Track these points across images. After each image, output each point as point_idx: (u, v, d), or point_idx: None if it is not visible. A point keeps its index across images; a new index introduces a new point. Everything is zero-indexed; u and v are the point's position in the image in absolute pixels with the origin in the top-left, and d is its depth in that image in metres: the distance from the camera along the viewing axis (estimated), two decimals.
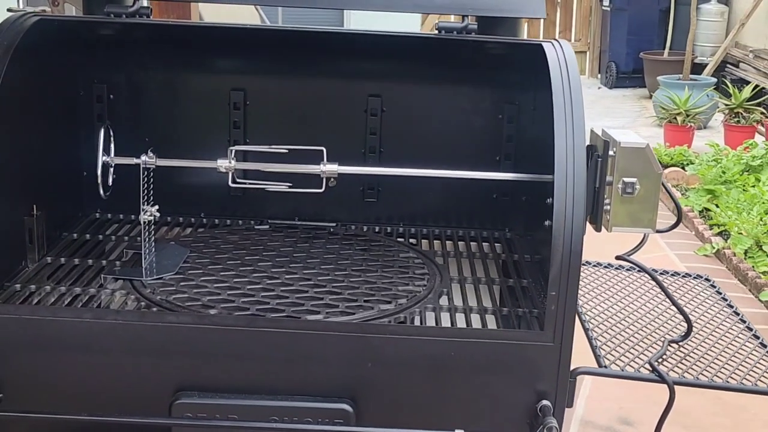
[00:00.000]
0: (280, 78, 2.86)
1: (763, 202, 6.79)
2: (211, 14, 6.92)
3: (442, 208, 2.94)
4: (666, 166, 8.30)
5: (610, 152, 2.33)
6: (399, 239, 2.86)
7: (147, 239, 2.47)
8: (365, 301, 2.34)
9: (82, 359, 2.16)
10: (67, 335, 2.14)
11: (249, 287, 2.39)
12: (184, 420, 2.12)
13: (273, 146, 2.48)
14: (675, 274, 2.87)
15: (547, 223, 2.42)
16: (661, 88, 10.03)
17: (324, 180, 2.47)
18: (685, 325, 2.43)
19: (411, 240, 2.87)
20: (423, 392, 2.16)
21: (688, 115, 9.10)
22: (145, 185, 2.44)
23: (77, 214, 2.88)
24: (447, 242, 2.86)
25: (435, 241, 2.87)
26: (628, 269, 2.89)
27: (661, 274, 2.88)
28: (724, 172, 7.54)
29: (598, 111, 11.41)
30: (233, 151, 2.45)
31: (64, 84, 2.74)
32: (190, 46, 2.81)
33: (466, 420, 2.18)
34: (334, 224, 2.90)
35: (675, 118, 9.12)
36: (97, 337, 2.14)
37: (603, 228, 2.37)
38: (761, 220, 6.46)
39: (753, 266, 5.95)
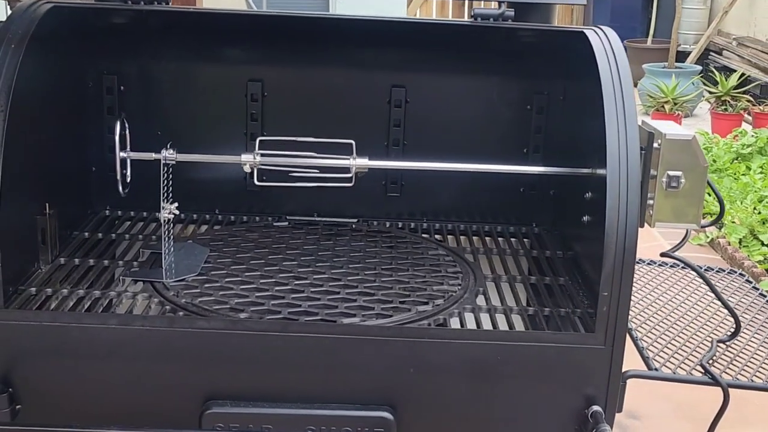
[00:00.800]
0: (300, 68, 2.73)
1: (756, 191, 6.75)
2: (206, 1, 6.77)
3: (467, 203, 2.83)
4: None
5: (655, 144, 2.23)
6: (424, 235, 2.75)
7: (166, 238, 2.34)
8: (401, 302, 2.23)
9: (107, 368, 2.04)
10: (92, 342, 2.02)
11: (277, 289, 2.27)
12: (215, 431, 2.00)
13: (300, 138, 2.35)
14: (709, 269, 2.78)
15: (585, 218, 2.33)
16: (647, 76, 9.97)
17: (354, 173, 2.36)
18: (729, 322, 2.34)
19: (436, 236, 2.76)
20: (467, 399, 2.06)
21: (675, 104, 9.05)
22: (165, 182, 2.31)
23: (86, 212, 2.74)
24: (473, 238, 2.75)
25: (461, 237, 2.76)
26: (659, 264, 2.80)
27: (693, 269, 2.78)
28: (714, 161, 7.50)
29: None
30: (259, 142, 2.33)
31: (73, 75, 2.61)
32: (206, 35, 2.68)
33: (511, 427, 2.09)
34: (355, 220, 2.79)
35: (663, 107, 9.07)
36: (123, 344, 2.02)
37: (645, 223, 2.28)
38: (755, 208, 6.42)
39: (748, 255, 5.91)
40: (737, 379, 2.11)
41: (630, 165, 2.01)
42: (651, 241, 6.60)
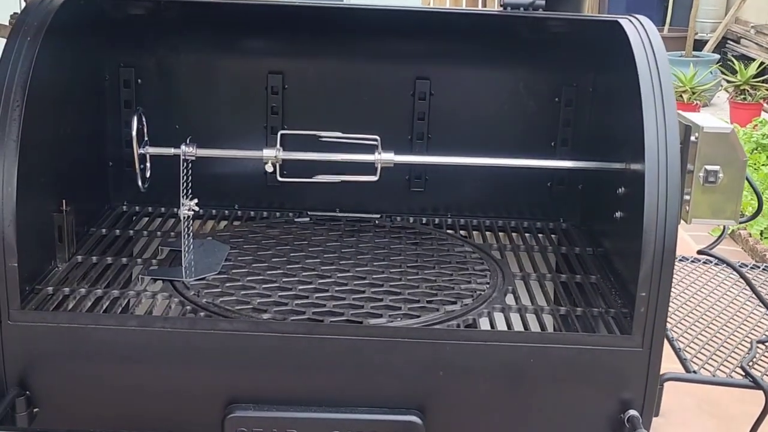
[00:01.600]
0: (321, 60, 2.66)
1: None
2: None
3: (492, 198, 2.75)
4: None
5: (692, 138, 2.16)
6: (449, 231, 2.68)
7: (186, 236, 2.27)
8: (428, 301, 2.16)
9: (127, 370, 1.98)
10: (111, 344, 1.96)
11: (300, 288, 2.21)
12: None
13: (323, 132, 2.28)
14: (743, 265, 2.70)
15: (617, 214, 2.25)
16: None
17: (379, 168, 2.29)
18: (767, 322, 2.26)
19: (461, 232, 2.68)
20: (498, 403, 1.99)
21: (693, 93, 8.94)
22: (185, 177, 2.24)
23: (103, 207, 2.68)
24: (499, 234, 2.67)
25: (486, 233, 2.69)
26: (693, 261, 2.72)
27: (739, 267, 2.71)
28: None
29: None
30: (280, 136, 2.26)
31: (89, 68, 2.54)
32: (225, 26, 2.60)
33: None
34: (378, 216, 2.72)
35: (681, 96, 8.95)
36: (143, 346, 1.96)
37: (682, 220, 2.20)
38: None
39: None
40: None
41: (669, 160, 1.94)
42: None
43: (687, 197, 2.17)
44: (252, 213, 2.73)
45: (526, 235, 2.68)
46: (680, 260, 2.74)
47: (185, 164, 2.24)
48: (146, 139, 2.31)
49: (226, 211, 2.73)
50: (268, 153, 2.27)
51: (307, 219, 2.67)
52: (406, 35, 2.60)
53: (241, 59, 2.66)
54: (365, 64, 2.66)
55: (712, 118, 2.21)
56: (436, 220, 2.74)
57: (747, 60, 9.65)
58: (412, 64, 2.64)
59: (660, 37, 2.11)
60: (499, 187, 2.72)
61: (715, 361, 2.11)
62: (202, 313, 2.07)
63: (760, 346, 2.20)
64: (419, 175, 2.72)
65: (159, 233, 2.55)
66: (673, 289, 2.53)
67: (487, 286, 2.26)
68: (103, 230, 2.53)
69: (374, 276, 2.28)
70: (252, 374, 1.98)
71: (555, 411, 1.99)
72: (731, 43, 10.95)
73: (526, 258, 2.51)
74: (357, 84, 2.67)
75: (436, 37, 2.59)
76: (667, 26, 11.36)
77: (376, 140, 2.27)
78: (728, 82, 9.07)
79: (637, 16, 2.20)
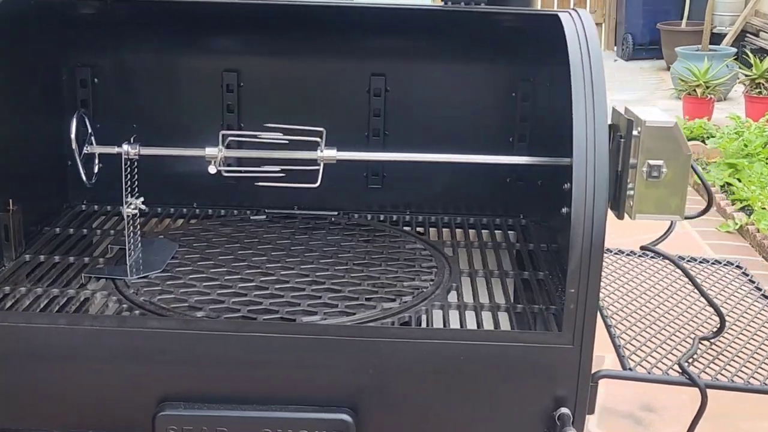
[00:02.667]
0: (277, 57, 2.65)
1: None
2: None
3: (452, 194, 2.73)
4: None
5: (634, 132, 2.13)
6: (405, 228, 2.66)
7: (132, 234, 2.28)
8: (367, 299, 2.15)
9: (57, 369, 1.98)
10: (41, 343, 1.96)
11: (241, 285, 2.20)
12: None
13: (268, 125, 2.27)
14: (704, 261, 2.66)
15: (564, 210, 2.22)
16: (679, 60, 9.76)
17: (321, 171, 2.27)
18: (717, 319, 2.23)
19: (419, 229, 2.67)
20: (430, 400, 1.97)
21: (707, 87, 8.83)
22: (128, 176, 2.25)
23: (61, 206, 2.69)
24: (457, 231, 2.66)
25: (444, 230, 2.67)
26: (653, 257, 2.68)
27: (688, 261, 2.67)
28: (746, 145, 7.31)
29: (614, 84, 11.15)
30: (222, 137, 2.25)
31: (46, 68, 2.55)
32: (179, 25, 2.61)
33: (477, 430, 2.00)
34: (335, 213, 2.71)
35: (694, 90, 8.86)
36: (73, 345, 1.96)
37: (626, 215, 2.18)
38: None
39: None
40: (717, 379, 1.99)
41: (598, 154, 1.91)
42: (678, 228, 6.44)
43: (631, 192, 2.15)
44: (210, 211, 2.74)
45: (484, 231, 2.66)
46: (628, 255, 2.71)
47: (128, 163, 2.25)
48: (92, 137, 2.31)
49: (185, 210, 2.74)
50: (210, 151, 2.26)
51: (263, 217, 2.67)
52: (361, 32, 2.59)
53: (196, 57, 2.66)
54: (321, 61, 2.65)
55: (658, 113, 2.18)
56: (394, 217, 2.72)
57: (765, 53, 9.52)
58: (367, 61, 2.63)
59: (595, 31, 2.08)
60: (458, 184, 2.70)
61: (655, 357, 2.08)
62: (137, 311, 2.07)
63: (704, 342, 2.16)
64: (376, 172, 2.70)
65: (113, 232, 2.56)
66: (626, 285, 2.51)
67: (431, 283, 2.25)
68: (57, 229, 2.54)
69: (318, 274, 2.27)
70: (182, 373, 1.98)
71: (488, 409, 1.97)
72: (750, 36, 10.80)
73: (481, 255, 2.49)
74: (313, 81, 2.66)
75: (391, 33, 2.58)
76: (684, 20, 11.24)
77: (320, 132, 2.24)
78: (745, 75, 8.95)
79: (578, 9, 2.17)
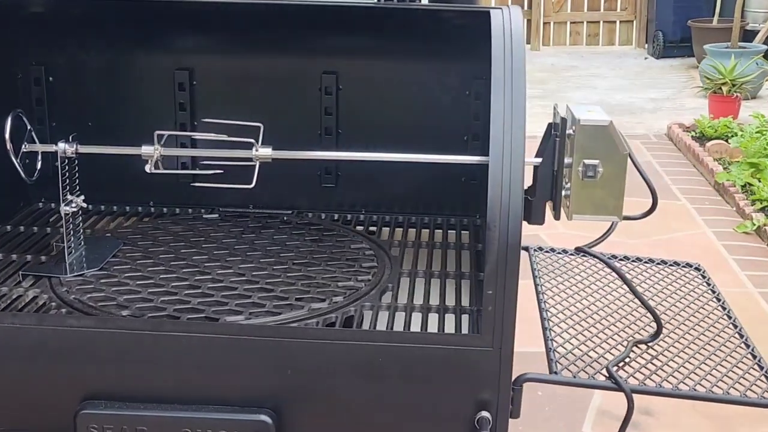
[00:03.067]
0: (229, 56, 2.64)
1: None
2: None
3: (408, 193, 2.70)
4: (709, 139, 7.95)
5: (569, 131, 2.09)
6: (358, 227, 2.64)
7: (72, 232, 2.28)
8: (297, 299, 2.13)
9: None
10: None
11: (174, 285, 2.19)
12: None
13: (205, 120, 2.26)
14: (663, 262, 2.60)
15: None
16: (707, 57, 9.61)
17: (256, 170, 2.25)
18: (662, 321, 2.17)
19: (372, 228, 2.64)
20: (350, 402, 1.95)
21: (734, 85, 8.68)
22: (66, 174, 2.25)
23: (18, 204, 2.71)
24: (411, 230, 2.62)
25: (398, 230, 2.64)
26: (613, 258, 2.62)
27: (646, 262, 2.61)
28: None
29: (643, 82, 11.03)
30: (158, 136, 2.24)
31: (1, 66, 2.57)
32: (132, 23, 2.61)
33: None
34: (290, 212, 2.69)
35: (720, 89, 8.71)
36: None
37: (564, 216, 2.13)
38: None
39: None
40: (644, 384, 1.94)
41: (513, 152, 1.87)
42: (694, 229, 6.34)
43: (567, 192, 2.11)
44: (164, 209, 2.73)
45: (437, 231, 2.62)
46: (575, 255, 2.64)
47: (65, 161, 2.25)
48: (32, 135, 2.32)
49: (139, 208, 2.74)
50: (146, 150, 2.26)
51: (216, 216, 2.66)
52: (312, 30, 2.57)
53: (149, 56, 2.66)
54: (273, 60, 2.64)
55: (597, 111, 2.13)
56: (349, 217, 2.70)
57: None
58: (318, 59, 2.61)
59: (521, 29, 2.03)
60: (414, 183, 2.67)
61: (584, 361, 2.03)
62: (63, 310, 2.07)
63: (641, 346, 2.11)
64: (330, 171, 2.68)
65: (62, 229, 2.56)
66: (570, 286, 2.46)
67: (367, 283, 2.22)
68: (8, 227, 2.55)
69: (255, 273, 2.26)
70: (103, 371, 1.97)
71: (409, 412, 1.94)
72: None
73: (428, 255, 2.45)
74: (265, 80, 2.65)
75: (341, 31, 2.56)
76: (716, 17, 11.06)
77: (258, 127, 2.22)
78: None
79: (510, 6, 2.13)
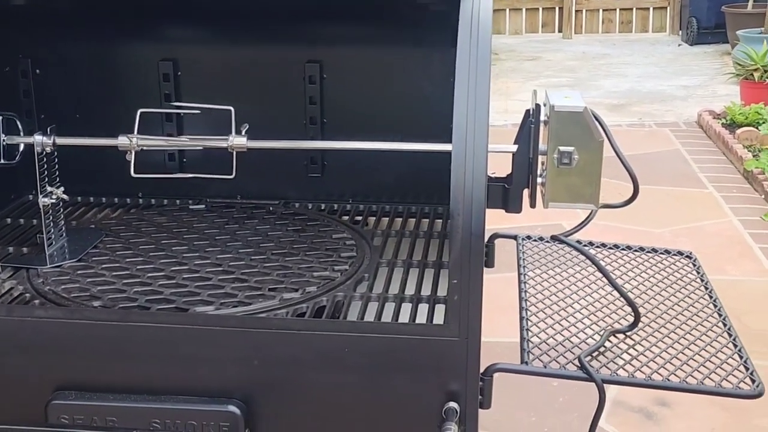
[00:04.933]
0: (213, 46, 2.64)
1: None
2: None
3: (395, 182, 2.68)
4: (739, 126, 7.82)
5: (542, 117, 2.05)
6: (344, 217, 2.62)
7: (52, 224, 2.29)
8: (270, 289, 2.11)
9: None
10: None
11: (150, 275, 2.19)
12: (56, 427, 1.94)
13: (174, 103, 2.25)
14: (654, 250, 2.55)
15: None
16: (740, 43, 9.44)
17: (234, 161, 2.23)
18: (643, 311, 2.13)
19: (358, 218, 2.62)
20: (318, 393, 1.93)
21: (766, 71, 8.52)
22: (44, 166, 2.26)
23: (9, 197, 2.72)
24: (397, 220, 2.60)
25: (384, 219, 2.61)
26: (598, 246, 2.57)
27: (636, 250, 2.56)
28: None
29: (675, 69, 10.88)
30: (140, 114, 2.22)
31: None
32: (117, 14, 2.61)
33: (368, 424, 1.95)
34: (276, 202, 2.68)
35: (751, 75, 8.56)
36: None
37: (539, 204, 2.10)
38: None
39: None
40: (616, 374, 1.90)
41: (476, 138, 1.83)
42: (721, 217, 6.24)
43: (542, 180, 2.07)
44: (152, 201, 2.73)
45: (424, 220, 2.59)
46: (557, 242, 2.59)
47: (43, 153, 2.26)
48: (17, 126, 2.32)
49: (128, 200, 2.74)
50: (122, 140, 2.25)
51: (203, 207, 2.66)
52: (295, 18, 2.55)
53: (134, 47, 2.66)
54: (257, 49, 2.63)
55: (574, 96, 2.09)
56: (335, 207, 2.68)
57: None
58: (302, 48, 2.59)
59: (490, 12, 1.99)
60: (401, 172, 2.64)
61: (557, 351, 1.99)
62: (36, 301, 2.08)
63: (619, 335, 2.06)
64: (316, 161, 2.66)
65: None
66: (553, 275, 2.42)
67: (343, 273, 2.20)
68: None
69: (232, 263, 2.25)
70: (74, 362, 1.97)
71: (376, 402, 1.92)
72: None
73: (410, 244, 2.43)
74: (250, 69, 2.64)
75: (326, 19, 2.54)
76: (751, 2, 10.88)
77: (229, 110, 2.19)
78: None
79: None
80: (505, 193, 2.12)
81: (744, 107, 8.19)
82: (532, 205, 2.10)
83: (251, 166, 2.45)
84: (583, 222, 2.13)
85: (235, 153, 2.23)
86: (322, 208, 2.68)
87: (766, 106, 8.16)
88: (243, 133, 2.22)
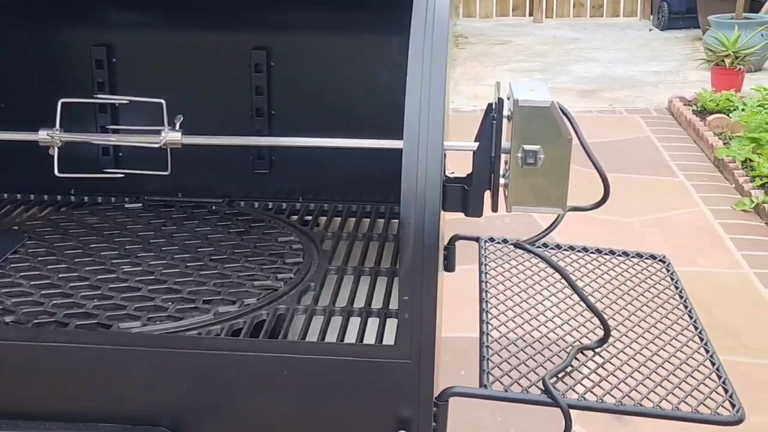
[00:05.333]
0: (151, 30, 2.42)
1: None
2: None
3: (350, 180, 2.48)
4: (710, 113, 7.70)
5: (505, 112, 1.86)
6: (293, 217, 2.42)
7: None
8: (205, 301, 1.91)
9: None
10: None
11: (72, 285, 1.98)
12: None
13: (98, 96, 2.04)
14: (625, 254, 2.37)
15: None
16: (711, 29, 9.32)
17: (169, 157, 2.03)
18: (613, 323, 1.95)
19: (308, 218, 2.42)
20: (253, 419, 1.73)
21: (737, 57, 8.40)
22: None
23: None
24: (350, 220, 2.40)
25: (336, 219, 2.42)
26: (575, 252, 2.39)
27: (606, 254, 2.38)
28: None
29: (646, 54, 10.75)
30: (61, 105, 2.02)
31: None
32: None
33: None
34: (220, 200, 2.47)
35: (723, 61, 8.44)
36: None
37: (502, 207, 1.91)
38: None
39: None
40: (584, 398, 1.72)
41: (431, 134, 1.64)
42: (691, 206, 6.11)
43: (505, 181, 1.88)
44: (86, 198, 2.52)
45: (379, 221, 2.40)
46: (553, 248, 2.41)
47: None
48: None
49: (59, 197, 2.52)
50: (42, 135, 2.04)
51: (139, 205, 2.44)
52: (240, 1, 2.34)
53: (63, 30, 2.44)
54: (199, 35, 2.41)
55: (540, 90, 1.90)
56: (284, 206, 2.48)
57: None
58: (248, 33, 2.38)
59: (447, 2, 1.79)
60: (354, 168, 2.43)
61: (520, 372, 1.80)
62: None
63: (587, 353, 1.88)
64: (263, 156, 2.46)
65: None
66: (520, 285, 2.23)
67: (287, 282, 2.00)
68: None
69: (165, 271, 2.04)
70: None
71: (319, 430, 1.73)
72: None
73: (363, 249, 2.23)
74: (192, 55, 2.43)
75: (272, 2, 2.33)
76: None
77: (160, 104, 1.99)
78: None
79: None
80: (465, 195, 1.92)
81: (715, 94, 8.07)
82: (494, 208, 1.91)
83: (194, 161, 2.25)
84: (548, 228, 1.95)
85: (169, 149, 2.03)
86: (270, 207, 2.47)
87: (737, 93, 8.05)
88: (177, 126, 2.02)
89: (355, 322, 1.88)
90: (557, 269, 1.84)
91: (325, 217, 2.42)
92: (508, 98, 1.86)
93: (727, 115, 7.52)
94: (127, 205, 2.44)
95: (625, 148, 7.36)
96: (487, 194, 1.94)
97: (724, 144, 7.03)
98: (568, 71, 10.01)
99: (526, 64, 10.38)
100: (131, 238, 2.22)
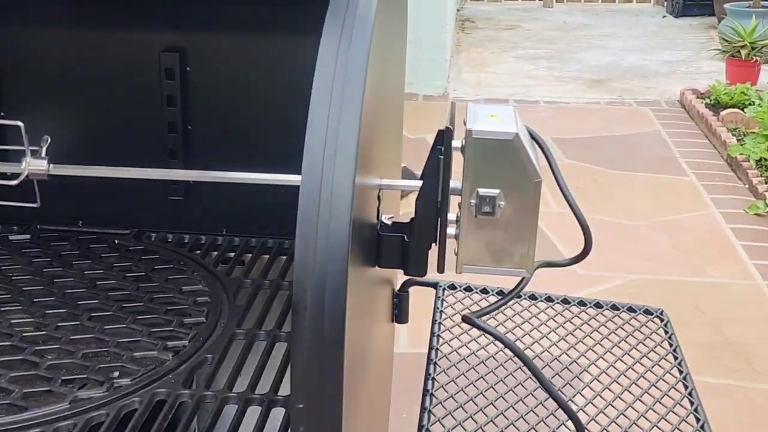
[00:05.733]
0: (42, 29, 1.99)
1: None
2: None
3: (280, 210, 2.04)
4: (724, 107, 7.26)
5: (456, 143, 1.45)
6: (213, 254, 1.99)
7: None
8: (64, 381, 1.49)
9: None
10: None
11: None
12: None
13: None
14: (614, 308, 1.94)
15: None
16: (727, 18, 8.84)
17: (36, 189, 1.61)
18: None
19: (230, 254, 2.00)
20: None
21: (753, 48, 7.92)
22: None
23: None
24: (281, 258, 1.98)
25: (264, 257, 1.99)
26: (525, 299, 1.96)
27: (592, 307, 1.94)
28: None
29: (658, 43, 10.29)
30: None
31: None
32: None
33: None
34: (127, 232, 2.05)
35: (738, 52, 7.96)
36: None
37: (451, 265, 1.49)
38: None
39: None
40: None
41: (337, 171, 1.21)
42: (701, 209, 5.72)
43: (453, 231, 1.47)
44: None
45: None
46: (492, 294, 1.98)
47: None
48: None
49: None
50: None
51: (27, 237, 2.02)
52: None
53: None
54: (100, 33, 1.99)
55: (503, 114, 1.47)
56: (203, 239, 2.05)
57: None
58: (157, 33, 1.96)
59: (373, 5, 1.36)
60: (286, 196, 2.01)
61: None
62: None
63: None
64: (177, 180, 2.03)
65: None
66: (468, 357, 1.80)
67: (179, 353, 1.58)
68: None
69: (27, 334, 1.62)
70: None
71: None
72: None
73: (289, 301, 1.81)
74: (91, 58, 2.00)
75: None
76: None
77: (18, 126, 1.58)
78: None
79: None
80: (405, 249, 1.51)
81: (729, 86, 7.62)
82: (440, 268, 1.50)
83: (98, 184, 1.84)
84: (510, 293, 1.53)
85: (34, 180, 1.61)
86: (186, 241, 2.05)
87: (753, 86, 7.60)
88: (43, 152, 1.60)
89: (254, 413, 1.46)
90: (518, 355, 1.42)
91: (250, 255, 2.00)
92: (465, 123, 1.45)
93: (742, 110, 7.08)
94: (11, 237, 2.02)
95: (632, 143, 6.94)
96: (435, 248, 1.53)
97: (738, 141, 6.60)
98: (578, 59, 9.57)
99: (534, 51, 9.93)
100: (5, 282, 1.80)
